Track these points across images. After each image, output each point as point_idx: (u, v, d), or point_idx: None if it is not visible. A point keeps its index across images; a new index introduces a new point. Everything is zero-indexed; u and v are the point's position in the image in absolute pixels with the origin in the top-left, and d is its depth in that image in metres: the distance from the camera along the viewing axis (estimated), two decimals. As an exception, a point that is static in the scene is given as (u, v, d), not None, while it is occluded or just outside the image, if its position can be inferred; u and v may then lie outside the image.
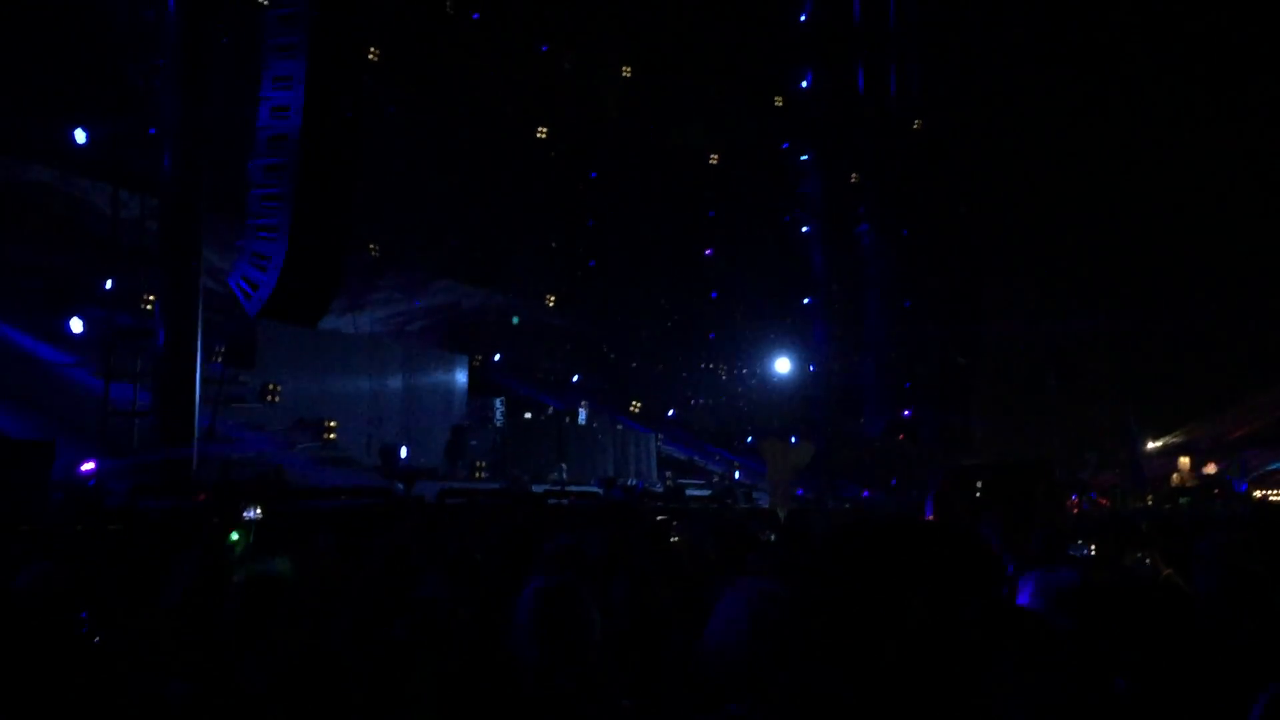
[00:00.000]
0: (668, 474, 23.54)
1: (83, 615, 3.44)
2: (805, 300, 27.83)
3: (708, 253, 28.89)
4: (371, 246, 22.27)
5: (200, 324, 13.36)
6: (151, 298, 14.20)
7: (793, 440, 23.97)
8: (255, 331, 16.98)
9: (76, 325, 14.50)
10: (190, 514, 9.41)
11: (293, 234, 16.44)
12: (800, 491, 20.18)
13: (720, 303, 28.96)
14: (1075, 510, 16.48)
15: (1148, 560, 5.88)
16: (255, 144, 16.62)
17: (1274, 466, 22.64)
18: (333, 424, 17.05)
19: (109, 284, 14.63)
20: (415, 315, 23.87)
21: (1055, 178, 26.73)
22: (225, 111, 15.65)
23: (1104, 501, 18.56)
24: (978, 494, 11.73)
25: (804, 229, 27.58)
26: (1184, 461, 21.40)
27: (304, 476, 14.12)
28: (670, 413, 27.09)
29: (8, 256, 14.68)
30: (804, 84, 27.02)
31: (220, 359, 15.75)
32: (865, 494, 20.64)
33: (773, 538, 7.66)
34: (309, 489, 11.84)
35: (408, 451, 17.21)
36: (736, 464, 24.37)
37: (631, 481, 20.97)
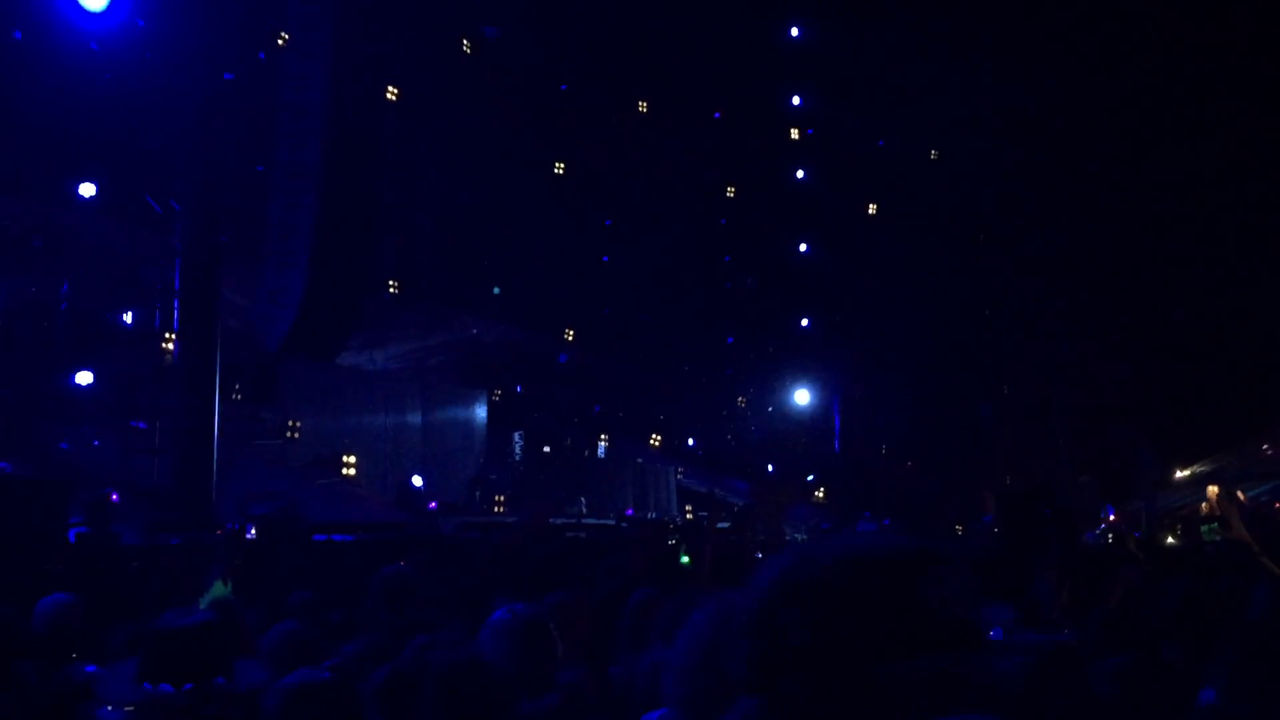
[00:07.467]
0: (687, 507, 23.45)
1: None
2: (813, 324, 27.74)
3: (727, 286, 28.96)
4: (391, 283, 22.41)
5: (219, 361, 13.40)
6: (171, 336, 14.29)
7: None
8: (276, 368, 17.08)
9: (85, 377, 14.25)
10: (207, 548, 9.42)
11: (311, 269, 16.60)
12: (824, 525, 20.08)
13: (738, 340, 28.98)
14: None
15: None
16: (275, 179, 16.82)
17: None
18: (351, 459, 17.08)
19: (128, 320, 14.75)
20: (433, 351, 23.96)
21: (1066, 188, 26.30)
22: (243, 149, 15.82)
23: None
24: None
25: (803, 248, 27.53)
26: (1212, 490, 21.06)
27: (321, 511, 14.12)
28: (690, 445, 27.02)
29: (30, 296, 14.80)
30: (796, 100, 27.18)
31: (240, 396, 15.82)
32: (861, 525, 20.35)
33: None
34: (324, 523, 11.83)
35: (423, 482, 17.22)
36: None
37: (651, 515, 20.89)
